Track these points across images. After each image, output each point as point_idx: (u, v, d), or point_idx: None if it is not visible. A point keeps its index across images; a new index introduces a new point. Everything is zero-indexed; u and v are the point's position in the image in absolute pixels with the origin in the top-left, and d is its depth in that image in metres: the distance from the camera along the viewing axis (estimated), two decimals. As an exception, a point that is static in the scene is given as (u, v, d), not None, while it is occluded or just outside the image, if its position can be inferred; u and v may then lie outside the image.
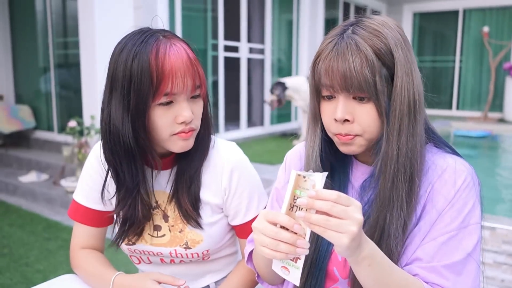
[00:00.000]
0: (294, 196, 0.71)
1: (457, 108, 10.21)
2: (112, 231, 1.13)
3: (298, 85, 5.99)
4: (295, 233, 0.72)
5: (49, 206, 4.20)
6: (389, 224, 0.84)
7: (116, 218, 1.11)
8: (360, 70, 0.81)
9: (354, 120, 0.85)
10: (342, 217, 0.68)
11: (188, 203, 1.07)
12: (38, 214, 4.00)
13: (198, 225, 1.09)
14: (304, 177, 0.70)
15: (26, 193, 4.43)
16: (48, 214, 3.99)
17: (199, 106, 1.02)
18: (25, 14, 5.77)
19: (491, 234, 3.00)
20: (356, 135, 0.87)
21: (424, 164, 0.87)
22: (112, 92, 0.97)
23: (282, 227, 0.72)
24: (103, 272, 1.11)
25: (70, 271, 1.23)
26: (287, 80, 6.02)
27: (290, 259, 0.76)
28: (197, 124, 1.02)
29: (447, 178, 0.86)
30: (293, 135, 6.64)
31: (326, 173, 0.70)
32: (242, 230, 1.15)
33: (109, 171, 1.05)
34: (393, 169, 0.84)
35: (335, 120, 0.86)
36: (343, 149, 0.89)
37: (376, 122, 0.85)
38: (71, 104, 5.34)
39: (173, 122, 0.97)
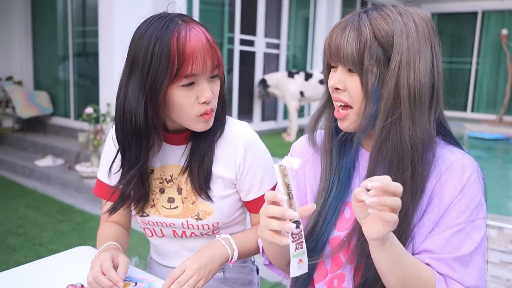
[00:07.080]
0: (288, 185, 0.75)
1: (472, 110, 10.11)
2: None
3: (277, 81, 6.06)
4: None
5: (63, 190, 4.29)
6: None
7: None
8: (350, 43, 0.85)
9: (345, 89, 0.90)
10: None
11: (201, 176, 1.13)
12: (52, 197, 4.09)
13: (208, 197, 1.14)
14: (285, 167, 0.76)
15: (41, 177, 4.52)
16: (62, 197, 4.08)
17: (217, 86, 1.09)
18: (46, 3, 5.87)
19: (499, 234, 3.00)
20: (348, 107, 0.90)
21: (429, 155, 0.87)
22: (131, 74, 1.04)
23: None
24: (105, 240, 1.15)
25: (82, 252, 1.28)
26: (268, 78, 6.10)
27: (299, 248, 0.76)
28: (215, 104, 1.09)
29: (454, 172, 0.88)
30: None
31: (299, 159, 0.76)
32: (256, 205, 1.19)
33: (119, 149, 1.11)
34: (388, 153, 0.85)
35: (331, 88, 0.92)
36: (340, 125, 0.93)
37: (360, 95, 0.88)
38: (88, 92, 5.44)
39: (195, 102, 1.04)
